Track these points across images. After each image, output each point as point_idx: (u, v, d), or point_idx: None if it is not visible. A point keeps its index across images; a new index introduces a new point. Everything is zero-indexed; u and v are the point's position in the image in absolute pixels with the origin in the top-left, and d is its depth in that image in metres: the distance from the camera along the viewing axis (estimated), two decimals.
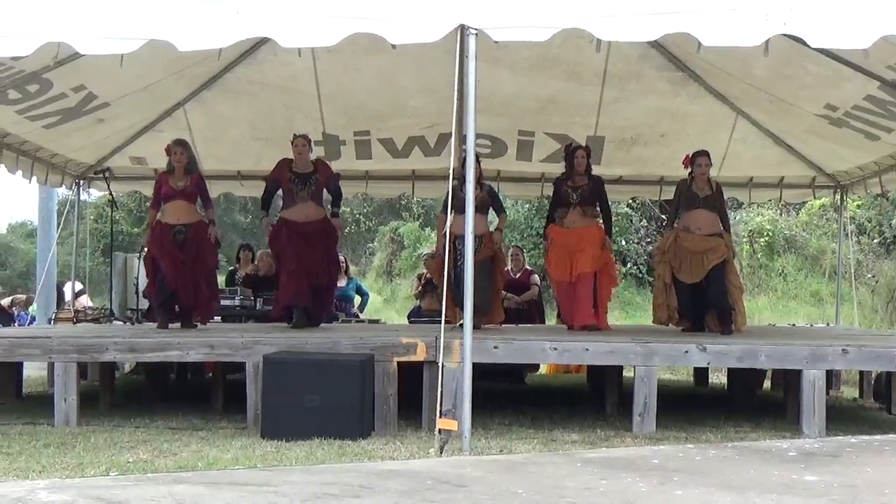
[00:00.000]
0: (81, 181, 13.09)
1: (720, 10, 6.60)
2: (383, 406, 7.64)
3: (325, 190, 10.02)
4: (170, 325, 9.88)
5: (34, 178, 11.68)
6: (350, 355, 7.65)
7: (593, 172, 10.31)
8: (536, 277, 13.46)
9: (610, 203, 10.50)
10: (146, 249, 10.16)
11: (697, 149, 9.87)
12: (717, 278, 9.52)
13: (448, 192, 8.89)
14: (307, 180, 9.83)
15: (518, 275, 13.00)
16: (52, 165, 12.01)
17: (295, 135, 9.92)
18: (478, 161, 9.99)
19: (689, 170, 9.80)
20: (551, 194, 10.45)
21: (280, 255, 9.99)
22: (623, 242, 22.01)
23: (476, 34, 6.70)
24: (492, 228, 10.13)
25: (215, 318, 11.11)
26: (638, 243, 22.91)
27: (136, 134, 12.33)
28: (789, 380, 8.68)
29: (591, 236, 9.94)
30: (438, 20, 6.73)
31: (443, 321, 7.14)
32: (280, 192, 10.09)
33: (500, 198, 10.67)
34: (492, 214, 10.19)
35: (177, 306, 10.06)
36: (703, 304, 9.72)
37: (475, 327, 7.55)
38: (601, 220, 10.21)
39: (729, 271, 9.69)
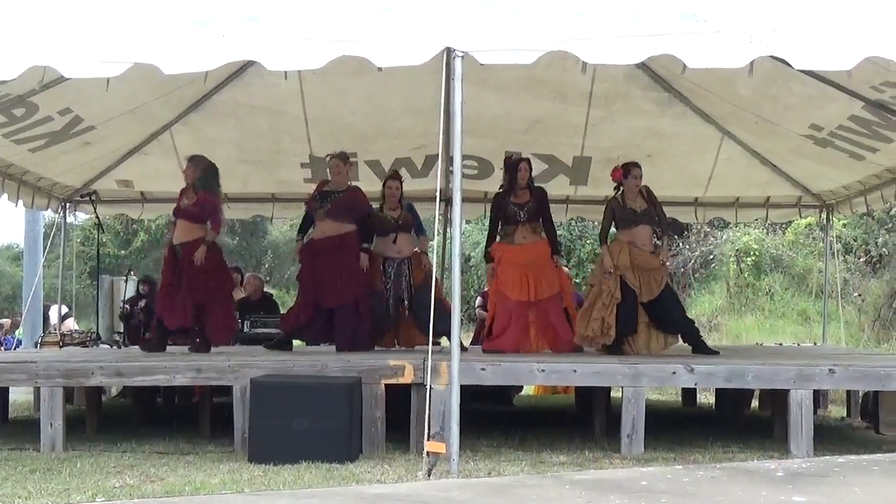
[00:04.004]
0: (68, 204, 13.06)
1: (705, 33, 6.64)
2: (371, 429, 7.62)
3: (352, 212, 9.70)
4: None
5: (20, 202, 11.64)
6: (337, 378, 7.63)
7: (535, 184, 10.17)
8: None
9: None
10: None
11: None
12: (673, 300, 9.54)
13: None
14: (328, 197, 9.68)
15: None
16: (39, 189, 11.98)
17: (330, 155, 9.93)
18: (398, 179, 10.10)
19: (619, 184, 9.64)
20: (490, 210, 10.06)
21: (298, 277, 9.97)
22: None
23: (462, 56, 6.72)
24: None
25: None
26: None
27: (122, 157, 12.30)
28: (777, 399, 8.68)
29: (544, 253, 9.78)
30: (425, 43, 6.74)
31: (430, 343, 7.15)
32: None
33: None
34: None
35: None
36: (633, 323, 9.50)
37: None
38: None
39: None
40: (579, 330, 9.51)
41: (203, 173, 9.72)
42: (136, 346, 11.07)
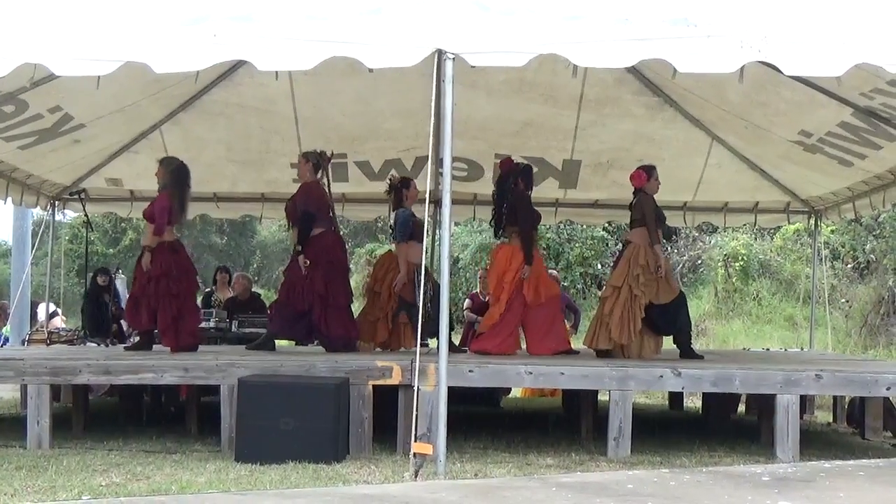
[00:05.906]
0: (57, 202, 13.02)
1: (695, 37, 6.65)
2: (358, 429, 7.62)
3: (294, 214, 9.72)
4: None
5: (9, 199, 11.61)
6: (325, 378, 7.63)
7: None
8: None
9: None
10: None
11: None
12: (682, 302, 9.56)
13: (409, 220, 9.49)
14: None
15: (487, 297, 12.91)
16: (28, 186, 11.94)
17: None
18: (410, 183, 10.14)
19: (645, 186, 9.62)
20: (522, 208, 9.80)
21: None
22: (599, 266, 22.07)
23: (453, 58, 6.72)
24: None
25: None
26: (613, 267, 22.90)
27: (111, 155, 12.27)
28: (763, 404, 8.70)
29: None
30: (415, 44, 6.75)
31: (418, 345, 7.15)
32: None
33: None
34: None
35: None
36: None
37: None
38: None
39: None
40: (619, 336, 9.29)
41: (171, 175, 9.68)
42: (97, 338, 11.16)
